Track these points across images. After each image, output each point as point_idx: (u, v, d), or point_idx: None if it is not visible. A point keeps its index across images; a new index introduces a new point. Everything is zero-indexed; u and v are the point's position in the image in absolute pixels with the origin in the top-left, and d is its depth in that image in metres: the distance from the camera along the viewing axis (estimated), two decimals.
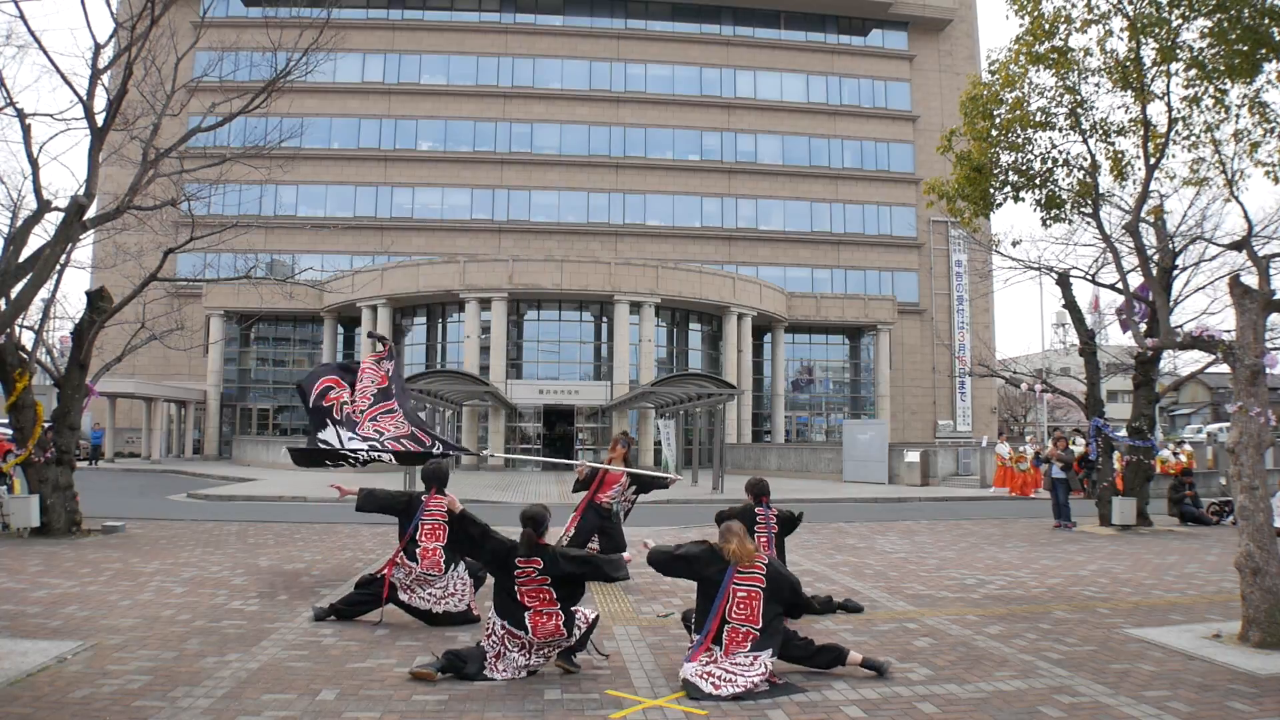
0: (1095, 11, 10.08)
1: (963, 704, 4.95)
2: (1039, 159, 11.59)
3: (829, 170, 47.22)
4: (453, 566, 6.92)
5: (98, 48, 10.77)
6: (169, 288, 24.02)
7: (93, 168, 10.82)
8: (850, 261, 47.27)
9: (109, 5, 10.71)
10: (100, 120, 10.84)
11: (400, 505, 7.12)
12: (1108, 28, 10.22)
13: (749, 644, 5.22)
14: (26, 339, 13.40)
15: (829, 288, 46.04)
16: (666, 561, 5.69)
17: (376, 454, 8.79)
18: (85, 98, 10.64)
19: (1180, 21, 9.15)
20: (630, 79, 46.54)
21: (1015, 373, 24.27)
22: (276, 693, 5.05)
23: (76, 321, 13.04)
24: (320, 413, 8.85)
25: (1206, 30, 8.99)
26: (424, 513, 6.90)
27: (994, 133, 11.38)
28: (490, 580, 6.00)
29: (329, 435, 8.70)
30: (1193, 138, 10.41)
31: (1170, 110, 10.07)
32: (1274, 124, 9.56)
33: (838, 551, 11.39)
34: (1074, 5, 10.26)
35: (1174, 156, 11.14)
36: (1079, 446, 18.56)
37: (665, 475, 9.90)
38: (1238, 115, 9.80)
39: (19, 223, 10.76)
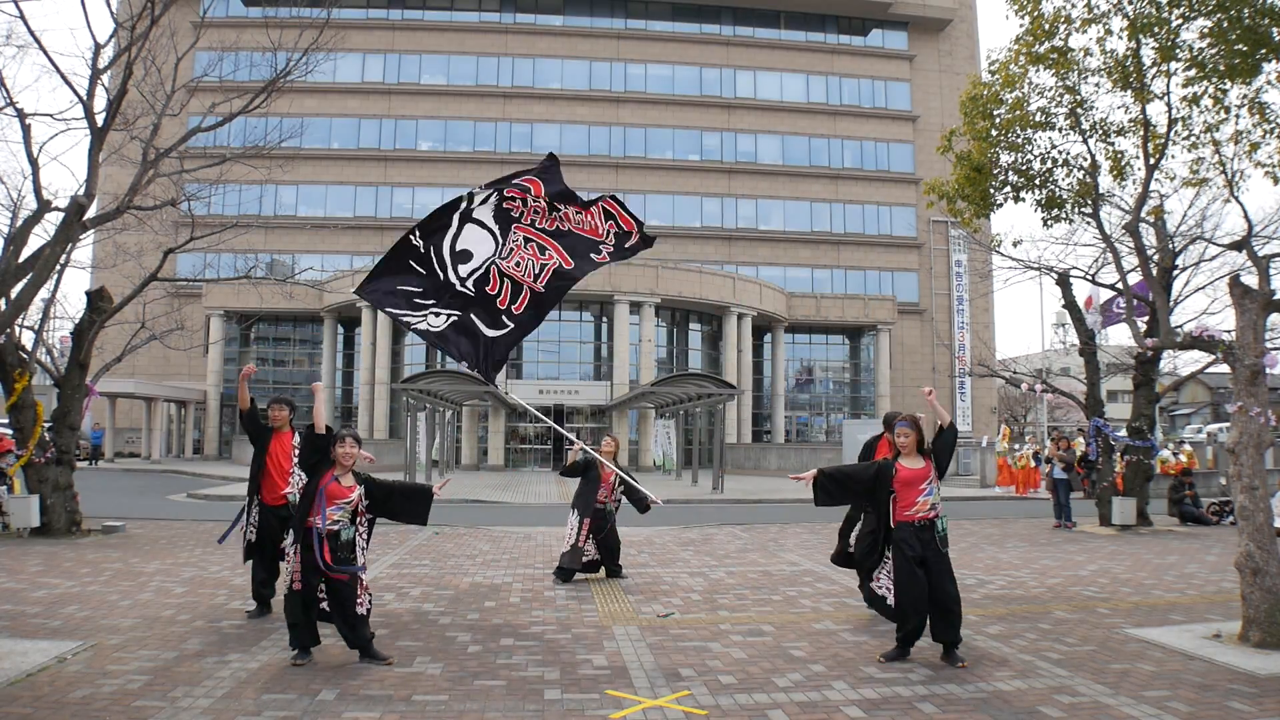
0: (1095, 11, 10.07)
1: (963, 704, 4.95)
2: (1039, 159, 11.58)
3: (829, 170, 47.22)
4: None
5: (98, 48, 10.77)
6: (169, 288, 24.02)
7: (93, 168, 10.81)
8: (850, 261, 47.27)
9: (109, 5, 10.70)
10: (100, 120, 10.83)
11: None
12: (1107, 27, 10.20)
13: None
14: (26, 339, 13.41)
15: (829, 288, 46.04)
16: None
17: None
18: (85, 98, 10.63)
19: (1180, 21, 9.14)
20: (630, 79, 46.54)
21: (1015, 373, 24.28)
22: (276, 693, 5.05)
23: (76, 321, 13.04)
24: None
25: (1206, 30, 8.98)
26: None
27: (994, 133, 11.36)
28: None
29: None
30: (1192, 138, 10.40)
31: (1170, 110, 10.06)
32: (1274, 124, 9.55)
33: None
34: (1074, 5, 10.26)
35: (1174, 157, 11.14)
36: (1080, 447, 18.56)
37: (648, 495, 8.81)
38: (1237, 116, 9.78)
39: (19, 223, 10.76)
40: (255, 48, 13.19)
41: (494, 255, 7.37)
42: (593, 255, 7.58)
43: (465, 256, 7.31)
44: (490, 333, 7.41)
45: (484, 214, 7.32)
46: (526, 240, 7.41)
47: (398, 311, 7.32)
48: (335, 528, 5.71)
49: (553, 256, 7.46)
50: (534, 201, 7.37)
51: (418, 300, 7.27)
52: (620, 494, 9.12)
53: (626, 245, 7.65)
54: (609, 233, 7.57)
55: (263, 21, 13.61)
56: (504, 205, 7.34)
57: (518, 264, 7.42)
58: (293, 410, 7.45)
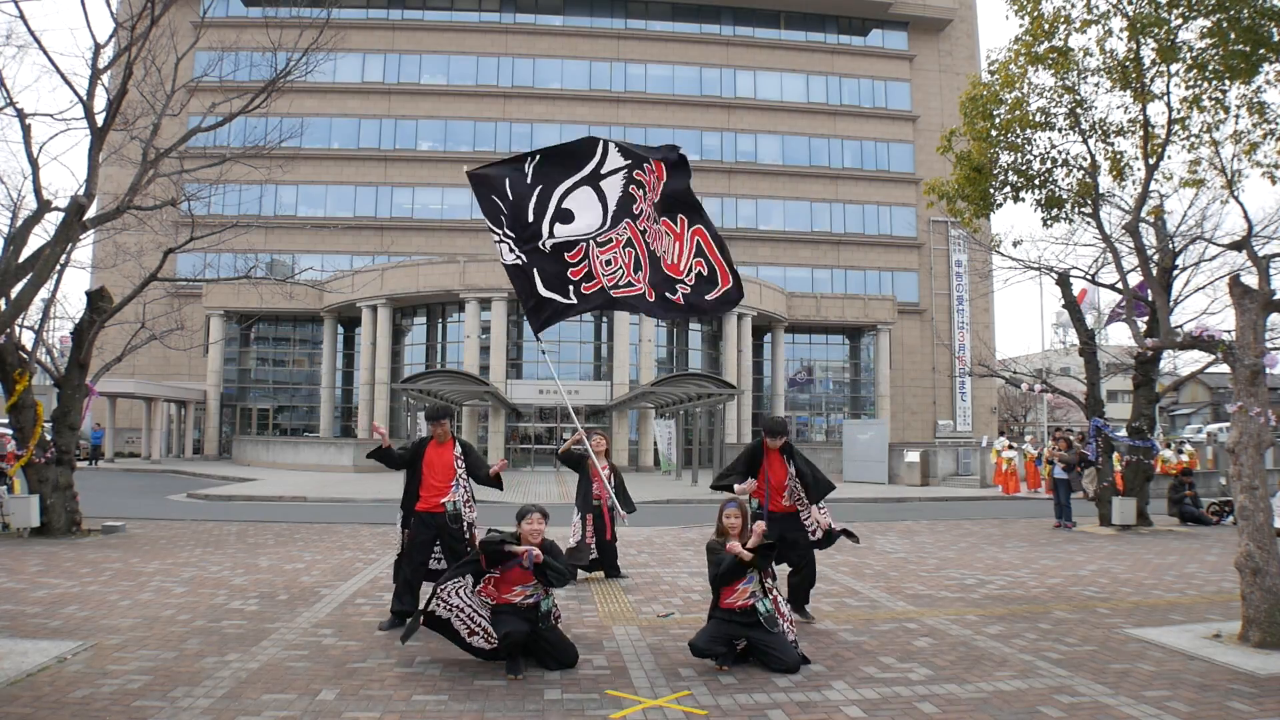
0: (1095, 11, 10.07)
1: (963, 704, 4.95)
2: (1039, 159, 11.58)
3: (829, 170, 47.21)
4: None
5: (98, 48, 10.77)
6: (169, 288, 24.00)
7: (93, 168, 10.81)
8: (850, 261, 47.26)
9: (109, 5, 10.70)
10: (100, 120, 10.83)
11: None
12: (1107, 28, 10.20)
13: None
14: (26, 339, 13.41)
15: (829, 288, 46.02)
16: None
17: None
18: (85, 98, 10.63)
19: (1180, 21, 9.14)
20: (630, 79, 46.52)
21: (1015, 373, 24.26)
22: (276, 693, 5.05)
23: (76, 321, 13.04)
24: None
25: (1206, 30, 8.98)
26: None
27: (994, 133, 11.36)
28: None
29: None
30: (1192, 138, 10.39)
31: (1170, 111, 10.06)
32: (1273, 124, 9.55)
33: (837, 551, 11.37)
34: (1074, 5, 10.25)
35: (1172, 157, 11.17)
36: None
37: (629, 503, 9.20)
38: (1237, 116, 9.78)
39: (19, 223, 10.76)
40: (255, 48, 13.18)
41: (592, 234, 6.57)
42: (668, 294, 6.78)
43: (566, 216, 6.55)
44: (546, 292, 6.63)
45: (610, 186, 6.56)
46: (628, 244, 6.63)
47: (489, 222, 6.72)
48: (528, 602, 5.67)
49: (640, 283, 6.69)
50: (649, 194, 6.61)
51: (502, 219, 6.59)
52: (612, 489, 9.11)
53: (708, 297, 6.80)
54: (691, 270, 6.80)
55: (263, 21, 13.61)
56: (629, 189, 6.57)
57: (607, 262, 6.63)
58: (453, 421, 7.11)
